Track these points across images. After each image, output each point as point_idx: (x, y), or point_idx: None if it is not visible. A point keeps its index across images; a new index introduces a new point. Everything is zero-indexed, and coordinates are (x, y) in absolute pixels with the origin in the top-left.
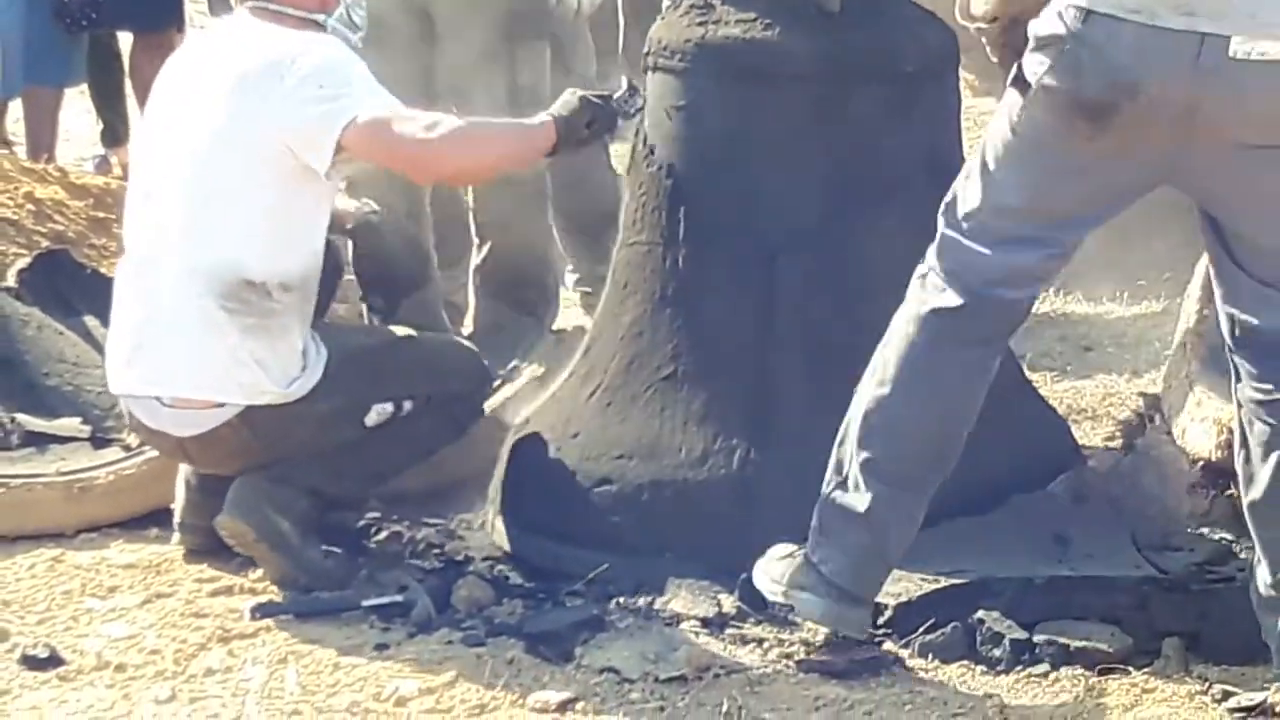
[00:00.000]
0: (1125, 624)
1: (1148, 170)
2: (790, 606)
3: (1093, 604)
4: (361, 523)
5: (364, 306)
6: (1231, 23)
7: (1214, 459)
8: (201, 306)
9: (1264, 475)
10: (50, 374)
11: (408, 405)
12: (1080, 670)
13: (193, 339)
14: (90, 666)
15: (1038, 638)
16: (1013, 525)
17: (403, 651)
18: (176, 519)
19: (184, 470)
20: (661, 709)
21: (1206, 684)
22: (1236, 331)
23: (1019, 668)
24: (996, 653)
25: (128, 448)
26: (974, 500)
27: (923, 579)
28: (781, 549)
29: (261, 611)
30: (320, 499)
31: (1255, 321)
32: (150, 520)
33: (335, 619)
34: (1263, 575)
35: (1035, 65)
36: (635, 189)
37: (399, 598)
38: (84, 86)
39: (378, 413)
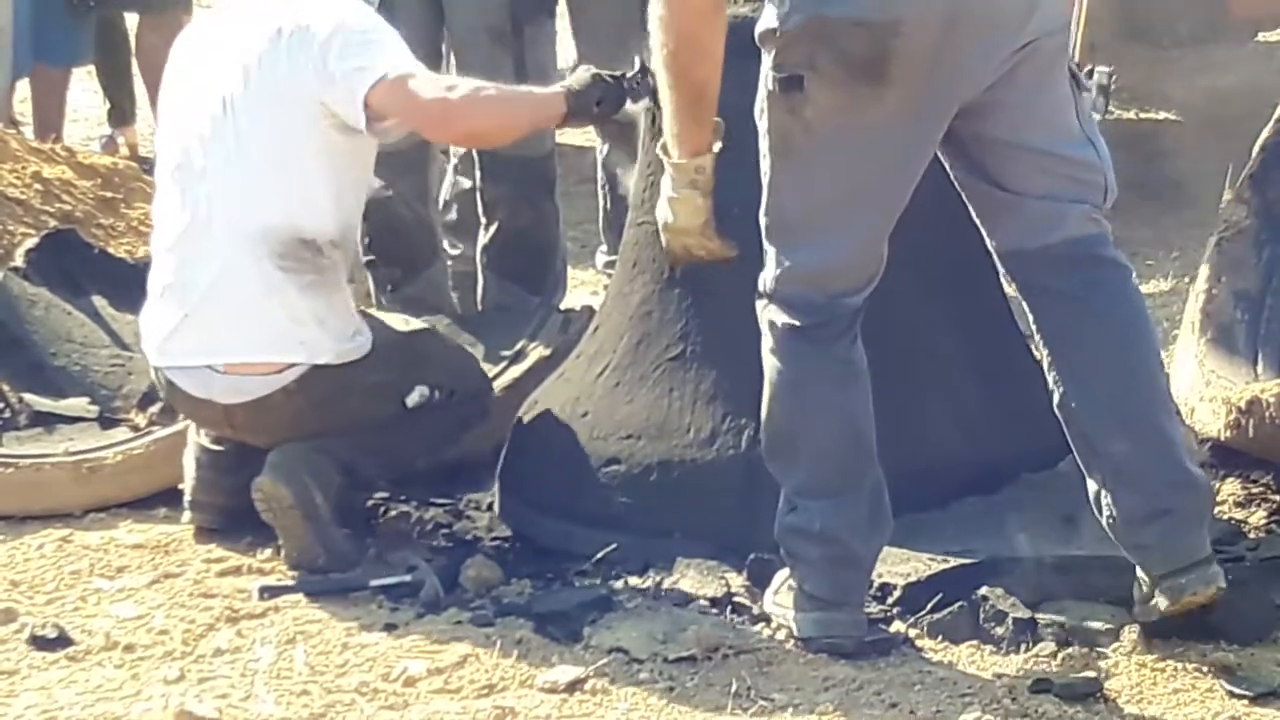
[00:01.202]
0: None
1: (938, 105)
2: (791, 630)
3: (1101, 584)
4: (370, 503)
5: (370, 285)
6: None
7: (1223, 438)
8: (260, 269)
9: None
10: (58, 354)
11: (437, 394)
12: (1088, 650)
13: (251, 302)
14: (99, 647)
15: (1045, 617)
16: (1022, 505)
17: (411, 631)
18: (187, 497)
19: (194, 448)
20: (670, 689)
21: (1215, 665)
22: (1014, 259)
23: (1027, 648)
24: (1005, 633)
25: (136, 428)
26: (983, 480)
27: (931, 559)
28: (781, 574)
29: (270, 592)
30: (353, 478)
31: (1036, 241)
32: (158, 500)
33: (344, 599)
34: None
35: (792, 60)
36: (644, 168)
37: (407, 578)
38: (90, 66)
39: (419, 394)
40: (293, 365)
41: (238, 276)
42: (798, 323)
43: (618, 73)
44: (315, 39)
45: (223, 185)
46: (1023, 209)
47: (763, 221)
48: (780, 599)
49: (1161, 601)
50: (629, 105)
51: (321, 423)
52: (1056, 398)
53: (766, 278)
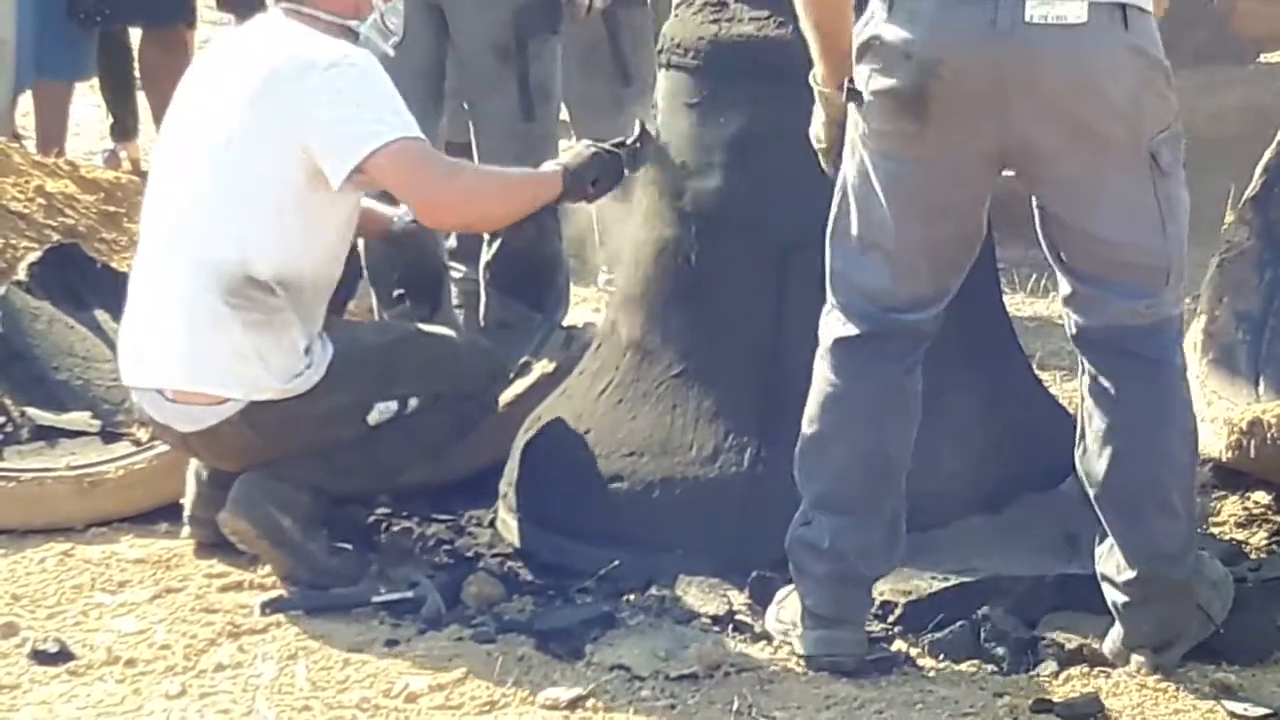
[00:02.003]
0: None
1: (981, 158)
2: (793, 646)
3: (1103, 604)
4: (372, 519)
5: (374, 302)
6: None
7: (1224, 459)
8: (206, 301)
9: (1100, 468)
10: (60, 368)
11: (413, 403)
12: (1089, 669)
13: (196, 333)
14: (100, 661)
15: (1047, 637)
16: (1023, 524)
17: (413, 648)
18: (186, 512)
19: (194, 463)
20: (672, 706)
21: (1216, 685)
22: (1070, 329)
23: (1029, 667)
24: (1006, 652)
25: (138, 442)
26: (985, 499)
27: (933, 577)
28: (783, 591)
29: (271, 607)
30: (323, 495)
31: (1082, 323)
32: (160, 515)
33: (345, 615)
34: (1114, 561)
35: (860, 76)
36: (648, 186)
37: (409, 594)
38: (93, 80)
39: (380, 411)
40: (232, 399)
41: (187, 306)
42: (853, 332)
43: (616, 142)
44: (312, 80)
45: (189, 213)
46: (1071, 283)
47: (829, 227)
48: (782, 615)
49: (1137, 661)
50: (627, 174)
51: (276, 451)
52: (1077, 456)
53: (828, 288)
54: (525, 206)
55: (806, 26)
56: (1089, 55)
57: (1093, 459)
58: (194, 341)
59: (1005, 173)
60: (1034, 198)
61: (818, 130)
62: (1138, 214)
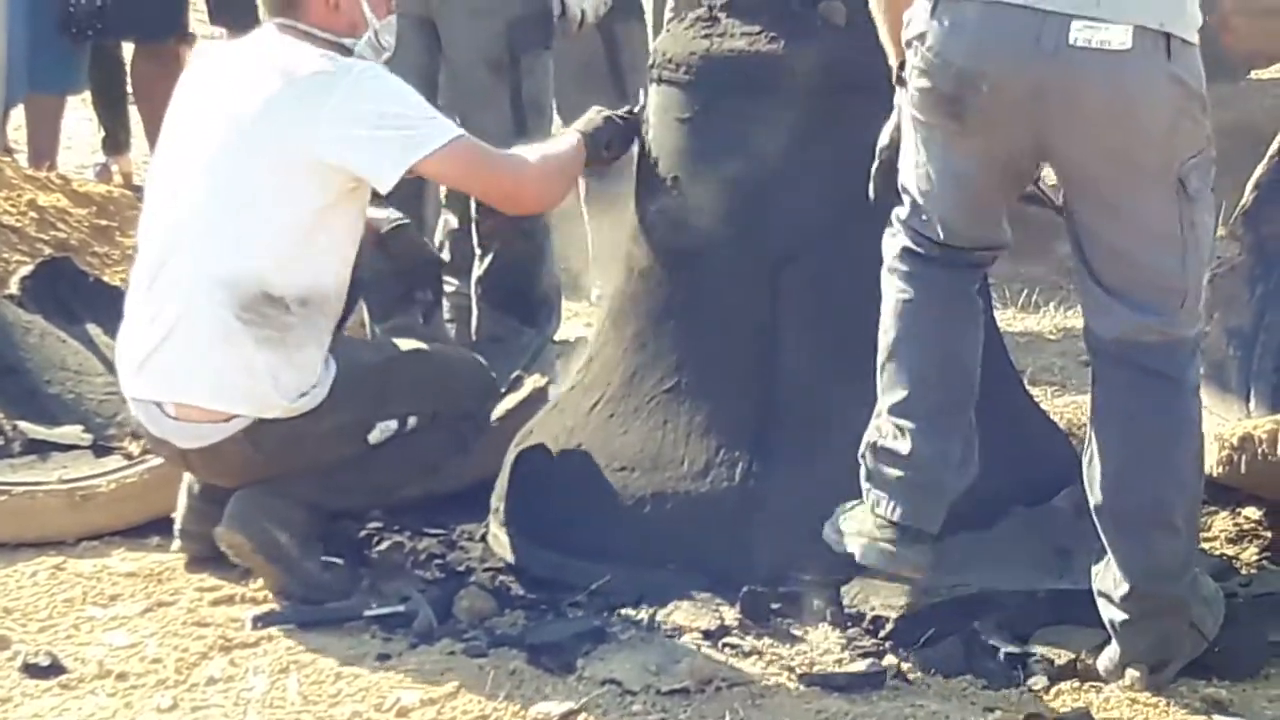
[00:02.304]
0: None
1: (1019, 157)
2: (852, 554)
3: (1094, 618)
4: (363, 533)
5: (365, 315)
6: (1074, 3)
7: (1215, 474)
8: (219, 315)
9: (1105, 482)
10: (52, 382)
11: (412, 421)
12: (1081, 684)
13: (207, 347)
14: (92, 675)
15: (1038, 651)
16: (1015, 539)
17: (404, 662)
18: (178, 526)
19: (187, 478)
20: None
21: (1207, 700)
22: (1087, 338)
23: (1020, 682)
24: (998, 666)
25: (129, 456)
26: (976, 513)
27: (925, 592)
28: (848, 505)
29: (263, 621)
30: (320, 512)
31: (1096, 329)
32: (152, 529)
33: (337, 629)
34: (1111, 576)
35: (909, 66)
36: (639, 200)
37: (401, 608)
38: (84, 94)
39: (381, 430)
40: (238, 416)
41: (197, 319)
42: (916, 249)
43: (625, 109)
44: (333, 96)
45: (196, 223)
46: (1092, 290)
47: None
48: (844, 525)
49: (1131, 676)
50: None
51: (277, 468)
52: (1083, 465)
53: (894, 212)
54: (574, 176)
55: (879, 23)
56: (1130, 83)
57: (1097, 471)
58: (204, 356)
59: None
60: (1065, 198)
61: (889, 130)
62: (1162, 238)
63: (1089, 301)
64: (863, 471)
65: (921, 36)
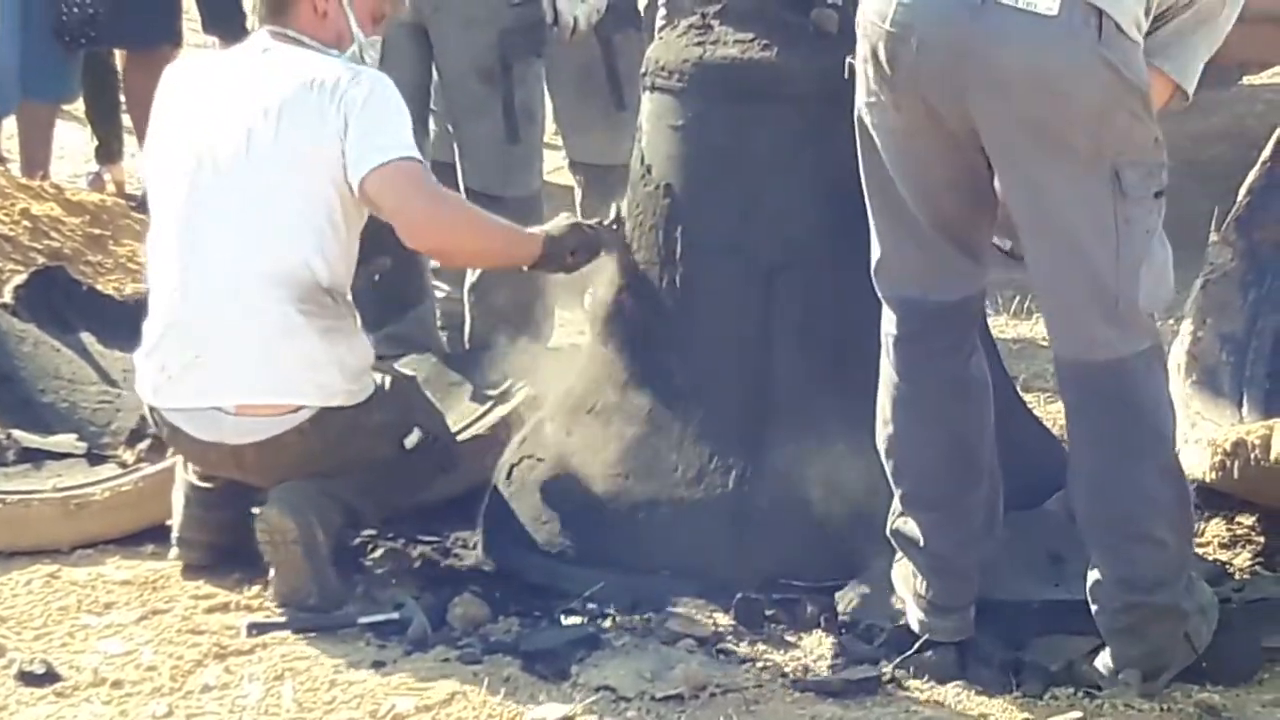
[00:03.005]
0: None
1: (956, 136)
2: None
3: (1088, 625)
4: (357, 540)
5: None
6: None
7: (1209, 480)
8: (282, 311)
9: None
10: (46, 390)
11: (427, 436)
12: (1074, 691)
13: (270, 344)
14: (87, 683)
15: (1032, 659)
16: (1008, 543)
17: (399, 669)
18: (175, 533)
19: (182, 485)
20: None
21: (1201, 706)
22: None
23: (1014, 689)
24: (991, 673)
25: (124, 464)
26: None
27: None
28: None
29: (258, 628)
30: (351, 519)
31: (1053, 350)
32: (146, 537)
33: (332, 636)
34: (1101, 587)
35: (856, 51)
36: (633, 208)
37: (395, 615)
38: (77, 103)
39: (417, 435)
40: (304, 406)
41: (258, 319)
42: (897, 331)
43: (595, 220)
44: (345, 98)
45: (239, 229)
46: (1042, 304)
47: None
48: (897, 571)
49: (1125, 683)
50: (602, 255)
51: (330, 461)
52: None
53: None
54: (498, 251)
55: None
56: (1053, 52)
57: (1071, 490)
58: (268, 352)
59: None
60: (997, 177)
61: None
62: (1092, 226)
63: (1045, 320)
64: (893, 543)
65: (860, 6)
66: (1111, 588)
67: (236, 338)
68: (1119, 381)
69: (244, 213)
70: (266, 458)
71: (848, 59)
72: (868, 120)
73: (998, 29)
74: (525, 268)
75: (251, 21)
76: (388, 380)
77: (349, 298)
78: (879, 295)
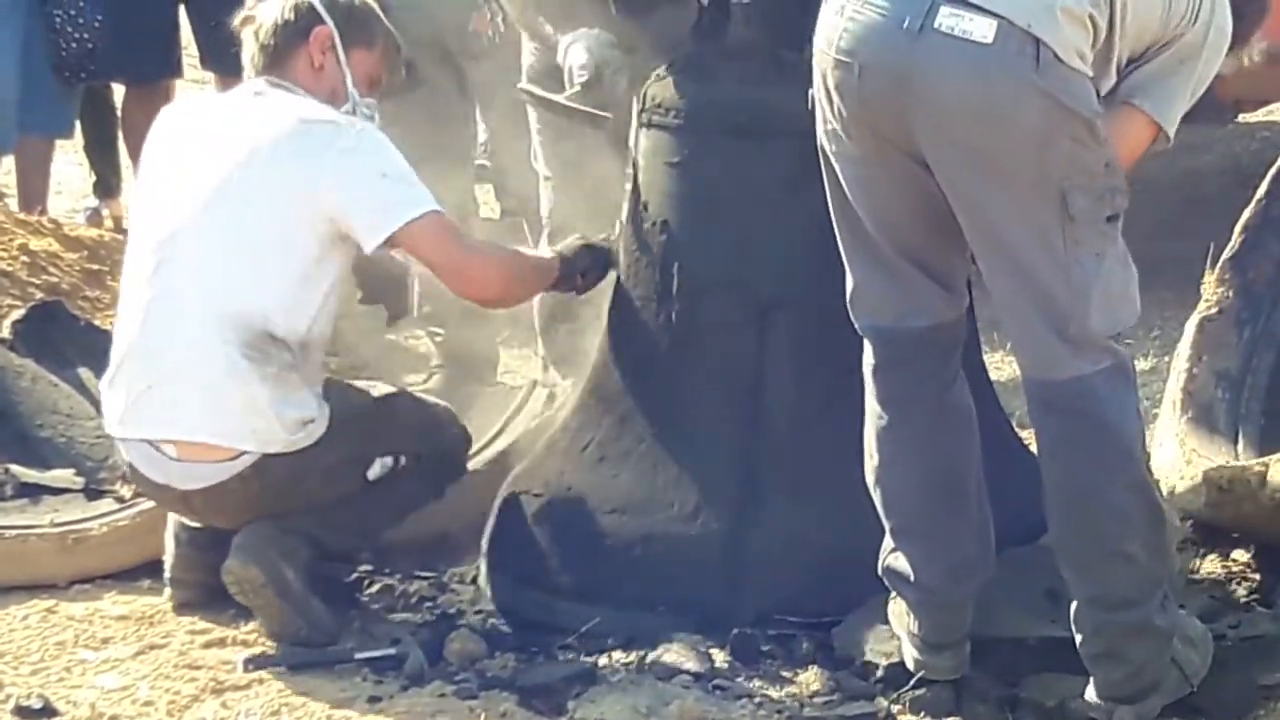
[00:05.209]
0: None
1: (909, 161)
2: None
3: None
4: (354, 576)
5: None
6: None
7: (1204, 516)
8: (225, 352)
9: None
10: (44, 425)
11: (403, 460)
12: None
13: (211, 383)
14: (84, 717)
15: (1027, 695)
16: (1004, 579)
17: (395, 704)
18: (167, 574)
19: (173, 525)
20: None
21: None
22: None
23: None
24: (987, 710)
25: (121, 499)
26: None
27: None
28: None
29: (254, 663)
30: (319, 550)
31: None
32: (143, 572)
33: (328, 671)
34: (1079, 611)
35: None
36: (629, 244)
37: (392, 650)
38: (75, 138)
39: (380, 465)
40: (245, 453)
41: (203, 356)
42: (875, 360)
43: (602, 237)
44: (335, 145)
45: (205, 264)
46: (1004, 328)
47: None
48: (893, 608)
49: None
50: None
51: (280, 505)
52: None
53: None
54: (532, 285)
55: None
56: (990, 81)
57: (1047, 509)
58: (210, 393)
59: None
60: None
61: None
62: (1041, 246)
63: (1010, 340)
64: (885, 582)
65: (817, 33)
66: (1085, 609)
67: (183, 373)
68: (1082, 399)
69: (214, 251)
70: (214, 503)
71: (809, 90)
72: (827, 149)
73: (935, 56)
74: (546, 290)
75: (249, 73)
76: (350, 413)
77: (314, 346)
78: (859, 327)
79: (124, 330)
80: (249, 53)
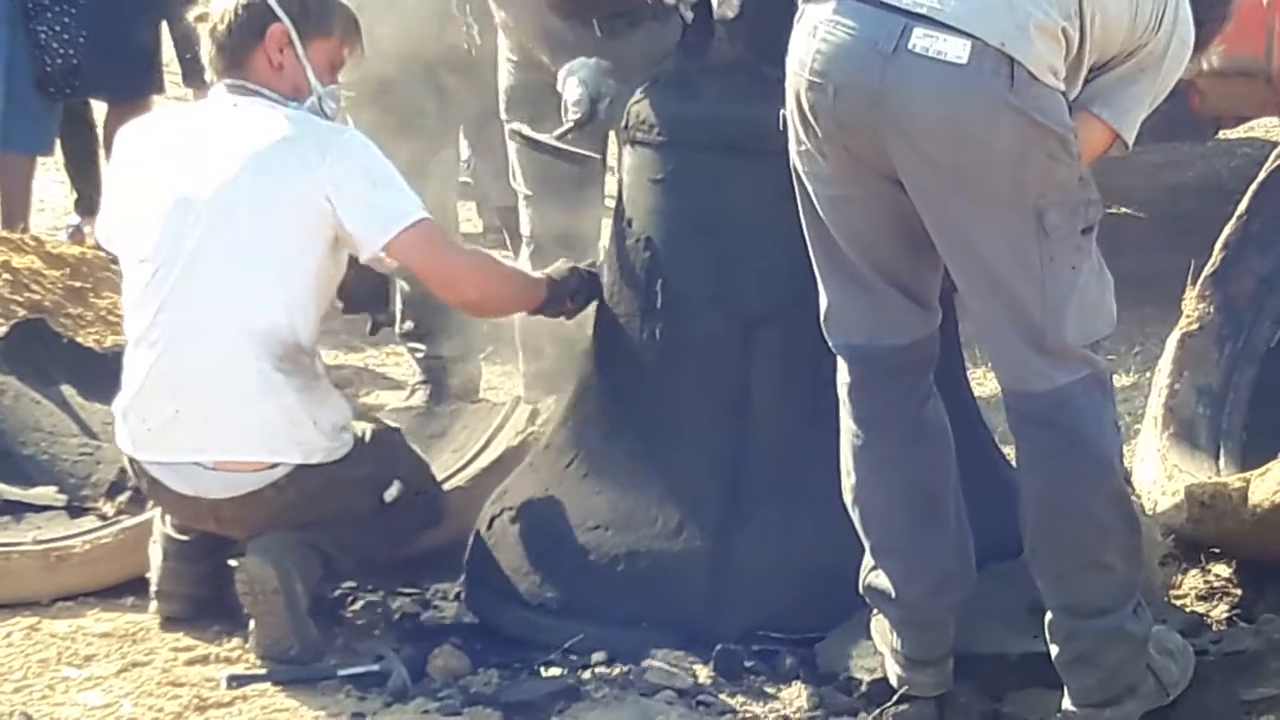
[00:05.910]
0: None
1: (883, 180)
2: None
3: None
4: (337, 592)
5: None
6: (918, 3)
7: (1185, 532)
8: (259, 369)
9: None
10: (27, 443)
11: (409, 489)
12: None
13: (248, 402)
14: None
15: (1010, 710)
16: (986, 594)
17: None
18: (153, 586)
19: (159, 537)
20: None
21: None
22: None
23: None
24: None
25: (104, 517)
26: None
27: None
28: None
29: (238, 680)
30: (329, 570)
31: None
32: (126, 589)
33: (312, 688)
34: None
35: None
36: (613, 261)
37: (375, 667)
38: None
39: (397, 488)
40: (281, 462)
41: (236, 376)
42: (850, 379)
43: (589, 262)
44: (329, 153)
45: (225, 284)
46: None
47: None
48: (876, 625)
49: None
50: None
51: (309, 515)
52: None
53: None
54: (519, 299)
55: None
56: (966, 101)
57: (1022, 520)
58: (246, 410)
59: None
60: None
61: None
62: (1017, 261)
63: (986, 353)
64: (867, 600)
65: (789, 54)
66: (1057, 617)
67: (215, 395)
68: (1060, 411)
69: (224, 268)
70: (244, 512)
71: (781, 110)
72: (800, 169)
73: (910, 77)
74: (528, 313)
75: (209, 75)
76: (369, 433)
77: (320, 355)
78: (833, 345)
79: (139, 357)
80: (207, 53)
